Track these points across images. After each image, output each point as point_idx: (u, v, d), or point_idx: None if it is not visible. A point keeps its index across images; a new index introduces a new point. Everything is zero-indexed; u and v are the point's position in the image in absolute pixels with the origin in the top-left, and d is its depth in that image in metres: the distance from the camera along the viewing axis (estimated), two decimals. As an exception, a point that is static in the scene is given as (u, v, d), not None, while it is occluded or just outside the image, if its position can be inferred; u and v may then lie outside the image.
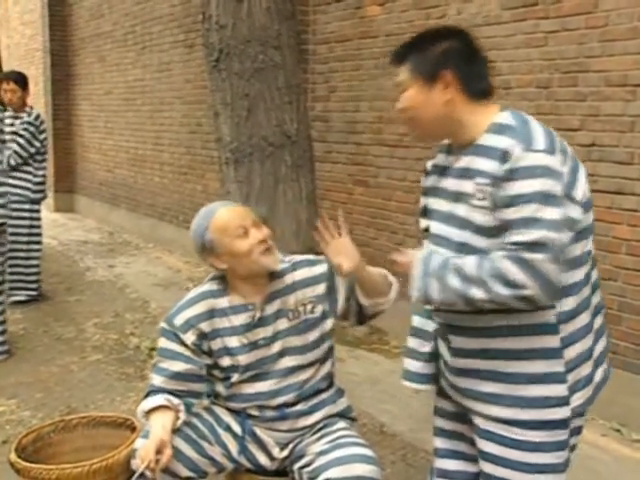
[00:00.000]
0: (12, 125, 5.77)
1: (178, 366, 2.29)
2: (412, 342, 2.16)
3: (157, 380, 2.30)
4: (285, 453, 2.39)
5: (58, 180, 11.12)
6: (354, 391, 3.94)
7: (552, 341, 1.84)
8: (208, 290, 2.38)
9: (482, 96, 1.89)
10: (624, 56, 3.62)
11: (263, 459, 2.39)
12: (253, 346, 2.32)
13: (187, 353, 2.30)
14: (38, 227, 6.01)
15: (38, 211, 6.01)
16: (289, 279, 2.36)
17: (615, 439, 3.64)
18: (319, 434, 2.38)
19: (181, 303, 2.37)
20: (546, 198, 1.70)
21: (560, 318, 1.84)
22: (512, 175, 1.72)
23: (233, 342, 2.32)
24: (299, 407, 2.37)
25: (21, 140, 5.71)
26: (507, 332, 1.85)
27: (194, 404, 2.37)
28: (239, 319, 2.32)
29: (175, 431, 2.26)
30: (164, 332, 2.35)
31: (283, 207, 4.22)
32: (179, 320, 2.32)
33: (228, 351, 2.32)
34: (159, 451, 2.13)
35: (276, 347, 2.33)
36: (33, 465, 2.29)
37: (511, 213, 1.72)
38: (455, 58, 1.87)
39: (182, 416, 2.28)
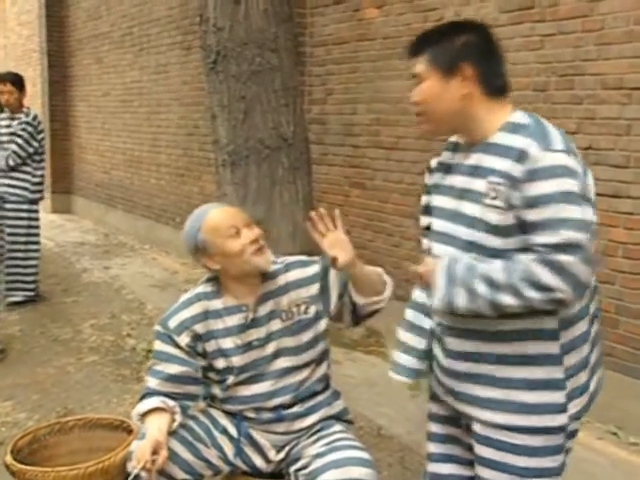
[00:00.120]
0: (9, 126, 5.78)
1: (173, 368, 2.30)
2: (405, 336, 2.14)
3: (152, 383, 2.31)
4: (281, 456, 2.39)
5: (55, 181, 11.11)
6: (351, 393, 3.94)
7: (552, 347, 1.83)
8: (202, 292, 2.38)
9: (499, 93, 1.87)
10: (620, 59, 3.62)
11: (259, 462, 2.39)
12: (247, 347, 2.32)
13: (182, 355, 2.31)
14: (36, 227, 6.01)
15: (36, 211, 6.01)
16: (282, 280, 2.37)
17: (611, 442, 3.65)
18: (315, 437, 2.37)
19: (175, 305, 2.38)
20: (570, 198, 1.69)
21: (561, 324, 1.83)
22: (532, 175, 1.70)
23: (227, 343, 2.32)
24: (295, 409, 2.37)
25: (19, 140, 5.71)
26: (508, 337, 1.84)
27: (190, 406, 2.37)
28: (233, 320, 2.33)
29: (171, 433, 2.26)
30: (159, 335, 2.36)
31: (280, 209, 4.22)
32: (173, 322, 2.33)
33: (222, 353, 2.33)
34: (155, 452, 2.13)
35: (270, 348, 2.34)
36: (29, 467, 2.29)
37: (535, 214, 1.70)
38: (475, 52, 1.85)
39: (178, 418, 2.28)
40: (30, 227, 5.92)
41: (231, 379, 2.34)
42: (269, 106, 4.21)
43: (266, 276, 2.35)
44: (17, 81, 5.85)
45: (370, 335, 5.19)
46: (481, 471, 1.95)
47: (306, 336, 2.36)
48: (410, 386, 4.23)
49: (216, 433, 2.38)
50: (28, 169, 5.83)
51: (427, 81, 1.87)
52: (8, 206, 5.74)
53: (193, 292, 2.40)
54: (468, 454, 2.07)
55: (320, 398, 2.42)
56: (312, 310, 2.36)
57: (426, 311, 2.08)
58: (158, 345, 2.36)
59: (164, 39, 8.12)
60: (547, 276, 1.67)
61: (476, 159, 1.86)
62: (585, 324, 1.89)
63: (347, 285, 2.31)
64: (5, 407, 3.99)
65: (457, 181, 1.92)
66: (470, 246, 1.83)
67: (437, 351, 2.02)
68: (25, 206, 5.85)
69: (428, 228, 2.11)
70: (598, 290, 1.98)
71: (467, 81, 1.83)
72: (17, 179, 5.78)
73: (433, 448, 2.15)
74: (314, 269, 2.39)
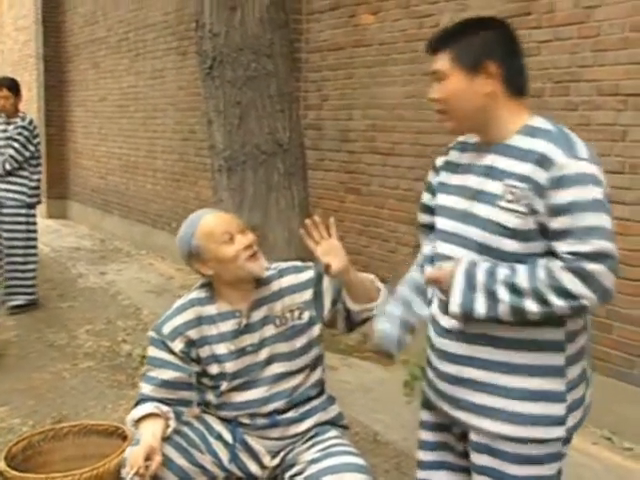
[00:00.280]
0: (5, 131, 5.78)
1: (167, 374, 2.30)
2: (395, 309, 2.12)
3: (146, 389, 2.31)
4: (276, 461, 2.39)
5: (51, 186, 11.09)
6: (346, 399, 3.94)
7: (558, 359, 1.82)
8: (195, 298, 2.38)
9: (520, 93, 1.85)
10: (616, 66, 3.64)
11: (254, 467, 2.39)
12: (240, 353, 2.32)
13: (176, 361, 2.31)
14: (34, 232, 6.01)
15: (34, 215, 6.01)
16: (276, 286, 2.37)
17: (606, 447, 3.64)
18: (310, 442, 2.37)
19: (169, 312, 2.39)
20: (599, 206, 1.68)
21: (567, 336, 1.82)
22: (559, 183, 1.68)
23: (221, 349, 2.33)
24: (290, 414, 2.37)
25: (16, 144, 5.71)
26: (514, 345, 1.81)
27: (184, 412, 2.37)
28: (226, 326, 2.33)
29: (165, 439, 2.26)
30: (153, 341, 2.36)
31: (275, 215, 4.22)
32: (167, 328, 2.33)
33: (216, 358, 2.33)
34: (148, 457, 2.12)
35: (263, 354, 2.34)
36: (23, 474, 2.28)
37: (562, 222, 1.69)
38: (499, 49, 1.82)
39: (172, 424, 2.28)
40: (28, 231, 5.92)
41: (225, 385, 2.34)
42: (265, 112, 4.21)
43: (260, 282, 2.35)
44: (13, 86, 5.85)
45: (366, 341, 5.18)
46: (478, 479, 1.94)
47: (300, 342, 2.36)
48: (405, 392, 4.23)
49: (211, 439, 2.38)
50: (25, 173, 5.83)
51: (450, 78, 1.83)
52: (6, 211, 5.75)
53: (187, 298, 2.41)
54: (461, 461, 2.06)
55: (315, 403, 2.42)
56: (306, 316, 2.36)
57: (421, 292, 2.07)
58: (152, 351, 2.36)
59: (160, 44, 8.13)
60: (574, 284, 1.67)
61: (491, 160, 1.84)
62: (584, 337, 1.89)
63: (341, 292, 2.32)
64: (0, 413, 3.98)
65: (470, 181, 1.89)
66: (482, 248, 1.81)
67: (432, 355, 1.99)
68: (23, 210, 5.85)
69: (429, 227, 2.10)
70: None
71: (491, 79, 1.80)
72: (14, 184, 5.77)
73: (424, 456, 2.13)
74: (308, 275, 2.39)
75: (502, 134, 1.83)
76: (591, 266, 1.66)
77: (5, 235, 5.80)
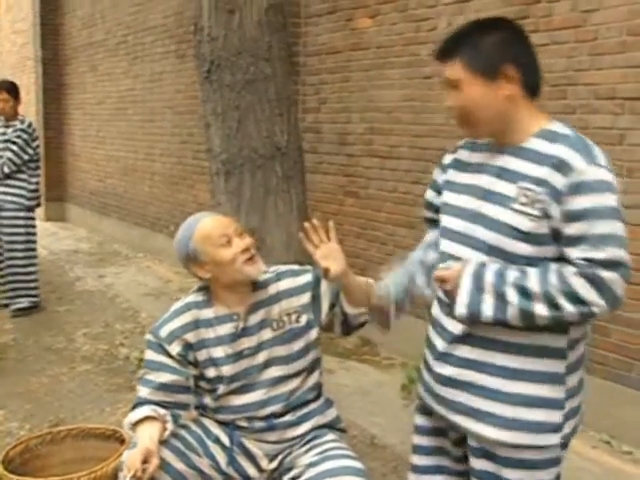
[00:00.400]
0: (4, 134, 5.77)
1: (164, 377, 2.30)
2: (400, 276, 2.10)
3: (144, 392, 2.31)
4: (274, 465, 2.39)
5: (49, 189, 11.08)
6: (344, 402, 3.94)
7: (559, 366, 1.82)
8: (193, 301, 2.39)
9: (536, 93, 1.82)
10: (613, 69, 3.64)
11: (252, 471, 2.38)
12: (238, 356, 2.32)
13: (173, 364, 2.31)
14: (34, 234, 6.01)
15: (33, 218, 6.01)
16: (273, 289, 2.37)
17: (605, 451, 3.65)
18: (308, 446, 2.37)
19: (166, 315, 2.39)
20: (615, 214, 1.68)
21: (569, 344, 1.82)
22: (577, 189, 1.67)
23: (218, 352, 2.33)
24: (287, 418, 2.37)
25: (15, 147, 5.70)
26: (517, 350, 1.81)
27: (181, 415, 2.37)
28: (224, 329, 2.33)
29: (163, 443, 2.26)
30: (150, 344, 2.36)
31: (274, 218, 4.22)
32: (164, 332, 2.33)
33: (213, 362, 2.33)
34: (146, 461, 2.12)
35: (261, 357, 2.34)
36: (20, 478, 2.28)
37: (577, 228, 1.68)
38: (514, 50, 1.78)
39: (169, 427, 2.28)
40: (28, 234, 5.92)
41: (222, 388, 2.34)
42: (263, 115, 4.21)
43: (257, 285, 2.35)
44: (12, 89, 5.85)
45: (364, 344, 5.19)
46: None
47: (297, 345, 2.36)
48: (403, 395, 4.23)
49: (208, 442, 2.38)
50: (23, 176, 5.82)
51: (467, 86, 1.78)
52: (5, 214, 5.75)
53: (184, 301, 2.41)
54: (457, 466, 2.06)
55: (312, 406, 2.42)
56: (303, 319, 2.36)
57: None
58: (149, 354, 2.36)
59: (158, 47, 8.14)
60: (587, 290, 1.67)
61: (504, 161, 1.82)
62: (584, 345, 1.89)
63: (339, 295, 2.32)
64: (-3, 416, 3.98)
65: (480, 181, 1.87)
66: (491, 250, 1.80)
67: (431, 357, 1.98)
68: (22, 213, 5.85)
69: (430, 220, 2.10)
70: None
71: (510, 82, 1.77)
72: (13, 187, 5.77)
73: (419, 460, 2.13)
74: (306, 278, 2.39)
75: (518, 136, 1.81)
76: (605, 274, 1.66)
77: (5, 238, 5.80)
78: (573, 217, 1.68)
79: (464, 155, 1.98)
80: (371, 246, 5.31)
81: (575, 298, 1.68)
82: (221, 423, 2.41)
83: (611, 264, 1.66)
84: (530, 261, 1.75)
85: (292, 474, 2.32)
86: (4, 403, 4.14)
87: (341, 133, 5.53)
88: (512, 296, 1.72)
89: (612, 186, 1.71)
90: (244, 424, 2.36)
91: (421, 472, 2.12)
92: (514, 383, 1.82)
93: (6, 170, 5.68)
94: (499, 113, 1.79)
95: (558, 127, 1.80)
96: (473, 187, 1.88)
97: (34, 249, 6.01)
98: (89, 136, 10.37)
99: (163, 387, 2.29)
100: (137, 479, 2.11)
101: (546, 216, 1.71)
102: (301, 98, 5.79)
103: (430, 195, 2.12)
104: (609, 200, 1.69)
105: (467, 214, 1.88)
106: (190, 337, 2.32)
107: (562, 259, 1.73)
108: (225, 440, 2.38)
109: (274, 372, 2.34)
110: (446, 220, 1.96)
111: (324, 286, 2.36)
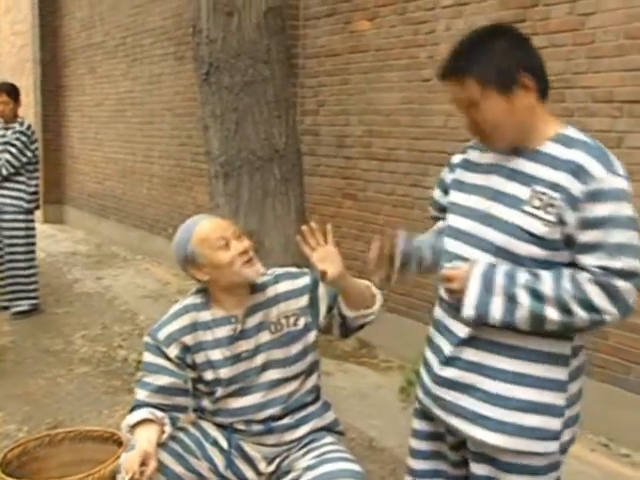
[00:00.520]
0: (3, 136, 5.76)
1: (162, 380, 2.30)
2: (413, 243, 2.09)
3: (142, 394, 2.30)
4: (272, 468, 2.38)
5: (47, 191, 11.08)
6: (342, 405, 3.93)
7: (561, 373, 1.81)
8: (191, 303, 2.39)
9: (547, 94, 1.80)
10: (610, 73, 3.65)
11: (250, 474, 2.39)
12: (235, 359, 2.32)
13: (171, 367, 2.31)
14: (34, 237, 6.01)
15: (33, 221, 6.01)
16: (271, 292, 2.37)
17: (604, 454, 3.65)
18: (306, 449, 2.37)
19: (164, 317, 2.39)
20: (631, 224, 1.68)
21: (572, 351, 1.82)
22: (595, 197, 1.66)
23: (216, 355, 2.33)
24: (285, 421, 2.37)
25: (13, 150, 5.70)
26: (521, 355, 1.80)
27: (179, 418, 2.37)
28: (222, 332, 2.33)
29: (161, 445, 2.25)
30: (148, 346, 2.36)
31: (272, 221, 4.22)
32: (162, 334, 2.33)
33: (211, 364, 2.33)
34: (143, 463, 2.12)
35: (259, 360, 2.34)
36: (18, 480, 2.28)
37: (593, 235, 1.67)
38: (523, 56, 1.76)
39: (167, 429, 2.28)
40: (28, 236, 5.92)
41: (220, 391, 2.34)
42: (261, 117, 4.22)
43: (255, 288, 2.35)
44: (12, 91, 5.84)
45: (362, 347, 5.19)
46: None
47: (295, 348, 2.36)
48: (401, 398, 4.23)
49: (206, 445, 2.38)
50: (22, 179, 5.82)
51: (486, 103, 1.74)
52: (5, 217, 5.75)
53: (182, 304, 2.41)
54: (455, 470, 2.05)
55: (310, 409, 2.42)
56: (301, 322, 2.36)
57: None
58: (147, 357, 2.36)
59: (157, 50, 8.14)
60: (600, 298, 1.67)
61: (518, 164, 1.80)
62: (585, 354, 1.89)
63: (337, 298, 2.32)
64: (-5, 419, 3.98)
65: (490, 182, 1.85)
66: (500, 251, 1.78)
67: (433, 359, 1.96)
68: (22, 216, 5.84)
69: (437, 218, 2.09)
70: None
71: (527, 91, 1.75)
72: (12, 189, 5.77)
73: (416, 464, 2.12)
74: (304, 281, 2.39)
75: (535, 141, 1.79)
76: (620, 283, 1.66)
77: (5, 241, 5.80)
78: (589, 224, 1.67)
79: (474, 155, 1.96)
80: (369, 249, 5.30)
81: (588, 305, 1.68)
82: (219, 426, 2.41)
83: (626, 274, 1.67)
84: (540, 264, 1.74)
85: (290, 477, 2.32)
86: (2, 405, 4.14)
87: (339, 135, 5.54)
88: (523, 298, 1.71)
89: (629, 195, 1.71)
90: (242, 427, 2.36)
91: (419, 476, 2.12)
92: (515, 388, 1.81)
93: (4, 172, 5.67)
94: (520, 123, 1.77)
95: (572, 132, 1.79)
96: (483, 188, 1.87)
97: (34, 251, 6.01)
98: (87, 138, 10.37)
99: (161, 390, 2.29)
100: (135, 482, 2.11)
101: (560, 222, 1.70)
102: (299, 100, 5.79)
103: (437, 194, 2.11)
104: (626, 209, 1.68)
105: (476, 214, 1.86)
106: (188, 340, 2.32)
107: (572, 264, 1.73)
108: (223, 443, 2.38)
109: (272, 375, 2.34)
110: (453, 220, 1.95)
111: (322, 289, 2.36)
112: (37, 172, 5.99)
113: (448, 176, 2.05)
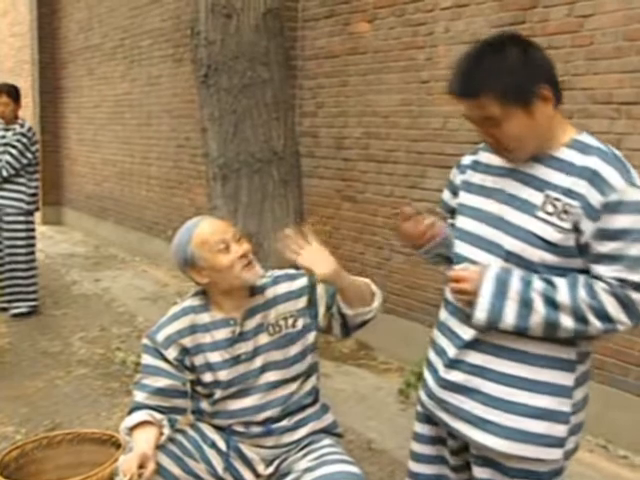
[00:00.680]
0: (3, 137, 5.75)
1: (161, 382, 2.29)
2: None
3: (140, 396, 2.30)
4: (270, 470, 2.38)
5: (45, 193, 11.07)
6: (341, 407, 3.93)
7: (567, 379, 1.80)
8: (189, 306, 2.38)
9: (561, 99, 1.76)
10: (609, 74, 3.65)
11: (248, 476, 2.38)
12: (234, 361, 2.32)
13: (169, 369, 2.30)
14: (34, 238, 6.00)
15: (33, 222, 6.00)
16: (270, 293, 2.37)
17: (602, 456, 3.65)
18: (304, 451, 2.37)
19: (163, 319, 2.38)
20: None
21: (578, 357, 1.80)
22: (617, 208, 1.64)
23: (215, 357, 2.32)
24: (284, 423, 2.36)
25: (14, 151, 5.69)
26: (527, 360, 1.78)
27: (177, 420, 2.36)
28: (221, 334, 2.32)
29: (159, 447, 2.25)
30: (146, 348, 2.35)
31: (270, 222, 4.22)
32: (161, 336, 2.32)
33: (210, 366, 2.32)
34: (142, 465, 2.11)
35: (258, 362, 2.33)
36: (16, 483, 2.27)
37: (614, 247, 1.66)
38: (540, 67, 1.72)
39: (166, 432, 2.27)
40: (29, 238, 5.92)
41: (219, 393, 2.33)
42: (260, 119, 4.22)
43: (254, 290, 2.35)
44: (13, 92, 5.82)
45: (361, 348, 5.19)
46: None
47: (294, 349, 2.35)
48: (400, 400, 4.23)
49: (205, 447, 2.37)
50: (22, 180, 5.81)
51: (506, 120, 1.70)
52: (5, 219, 5.74)
53: (181, 306, 2.40)
54: (456, 475, 2.04)
55: (309, 411, 2.42)
56: (300, 323, 2.36)
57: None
58: (146, 359, 2.35)
59: (155, 51, 8.14)
60: (616, 309, 1.67)
61: (532, 168, 1.77)
62: (590, 361, 1.88)
63: (335, 296, 2.31)
64: (-7, 421, 3.97)
65: (503, 185, 1.83)
66: (510, 256, 1.76)
67: (438, 362, 1.95)
68: (22, 218, 5.84)
69: (445, 220, 2.06)
70: None
71: (547, 101, 1.71)
72: (12, 191, 5.76)
73: (417, 468, 2.11)
74: (302, 282, 2.39)
75: (551, 147, 1.76)
76: (636, 295, 1.66)
77: (6, 243, 5.79)
78: (609, 236, 1.66)
79: (485, 157, 1.93)
80: (368, 250, 5.31)
81: (604, 315, 1.68)
82: (217, 428, 2.40)
83: None
84: (551, 270, 1.73)
85: (289, 479, 2.32)
86: (0, 407, 4.13)
87: (338, 137, 5.54)
88: (539, 305, 1.70)
89: None
90: (241, 429, 2.36)
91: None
92: (519, 392, 1.79)
93: (4, 174, 5.67)
94: (541, 134, 1.74)
95: (587, 138, 1.77)
96: (495, 190, 1.85)
97: (34, 253, 6.01)
98: (86, 140, 10.37)
99: (160, 392, 2.29)
100: (133, 484, 2.11)
101: (575, 229, 1.69)
102: (298, 102, 5.79)
103: (446, 196, 2.09)
104: None
105: (487, 217, 1.84)
106: (187, 342, 2.32)
107: (584, 271, 1.72)
108: (221, 445, 2.38)
109: (271, 377, 2.34)
110: (463, 222, 1.93)
111: (320, 289, 2.36)
112: (37, 174, 5.98)
113: (458, 177, 2.02)
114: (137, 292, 7.01)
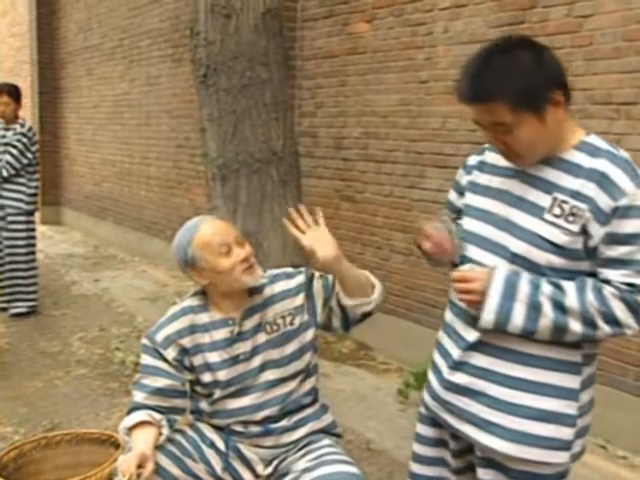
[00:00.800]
0: (4, 137, 5.75)
1: (160, 382, 2.29)
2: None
3: (139, 396, 2.30)
4: (269, 470, 2.38)
5: (45, 193, 11.05)
6: (340, 407, 3.93)
7: (573, 381, 1.79)
8: (189, 306, 2.38)
9: (570, 101, 1.74)
10: (608, 75, 3.65)
11: (247, 476, 2.38)
12: (233, 361, 2.32)
13: (169, 369, 2.30)
14: (34, 238, 6.01)
15: (33, 222, 6.00)
16: (268, 292, 2.37)
17: (601, 456, 3.64)
18: (303, 451, 2.37)
19: (162, 319, 2.38)
20: None
21: (584, 359, 1.79)
22: (627, 213, 1.64)
23: (214, 357, 2.32)
24: (283, 423, 2.36)
25: (14, 151, 5.68)
26: (533, 362, 1.77)
27: (177, 420, 2.36)
28: (220, 334, 2.32)
29: (158, 448, 2.25)
30: (145, 348, 2.35)
31: (270, 223, 4.22)
32: (160, 336, 2.32)
33: (209, 366, 2.32)
34: (141, 465, 2.11)
35: (256, 361, 2.33)
36: (14, 483, 2.27)
37: (624, 251, 1.65)
38: (551, 71, 1.70)
39: (165, 432, 2.27)
40: (29, 238, 5.92)
41: (218, 393, 2.33)
42: (259, 119, 4.22)
43: (253, 290, 2.34)
44: (13, 92, 5.81)
45: (360, 348, 5.19)
46: None
47: (290, 347, 2.35)
48: (399, 400, 4.23)
49: (204, 447, 2.37)
50: (22, 180, 5.81)
51: (518, 127, 1.68)
52: (6, 219, 5.74)
53: (180, 306, 2.40)
54: (457, 478, 2.04)
55: (308, 412, 2.42)
56: (297, 321, 2.36)
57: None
58: (145, 359, 2.35)
59: (154, 51, 8.13)
60: (624, 314, 1.67)
61: (540, 170, 1.76)
62: (596, 364, 1.87)
63: (332, 289, 2.31)
64: (-8, 421, 3.97)
65: (509, 186, 1.81)
66: (515, 258, 1.75)
67: (443, 364, 1.94)
68: (22, 218, 5.84)
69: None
70: None
71: (558, 106, 1.70)
72: (13, 191, 5.76)
73: (419, 470, 2.10)
74: (299, 280, 2.39)
75: (560, 149, 1.75)
76: None
77: (6, 242, 5.79)
78: (618, 240, 1.65)
79: (491, 158, 1.91)
80: (367, 250, 5.31)
81: (613, 320, 1.67)
82: (217, 428, 2.40)
83: None
84: (558, 273, 1.72)
85: (287, 479, 2.32)
86: (-1, 407, 4.14)
87: (337, 137, 5.54)
88: (547, 309, 1.69)
89: None
90: (240, 429, 2.36)
91: None
92: (525, 395, 1.78)
93: (5, 174, 5.66)
94: (551, 138, 1.73)
95: (595, 140, 1.75)
96: (501, 192, 1.83)
97: (34, 252, 6.01)
98: (85, 140, 10.36)
99: (159, 392, 2.29)
100: (132, 484, 2.10)
101: (583, 233, 1.68)
102: (297, 102, 5.79)
103: (453, 196, 2.07)
104: None
105: (493, 219, 1.83)
106: (186, 342, 2.31)
107: (591, 274, 1.72)
108: (220, 445, 2.37)
109: (269, 375, 2.34)
110: (468, 223, 1.91)
111: (317, 284, 2.36)
112: (37, 174, 5.98)
113: (464, 178, 2.00)
114: (136, 292, 7.01)
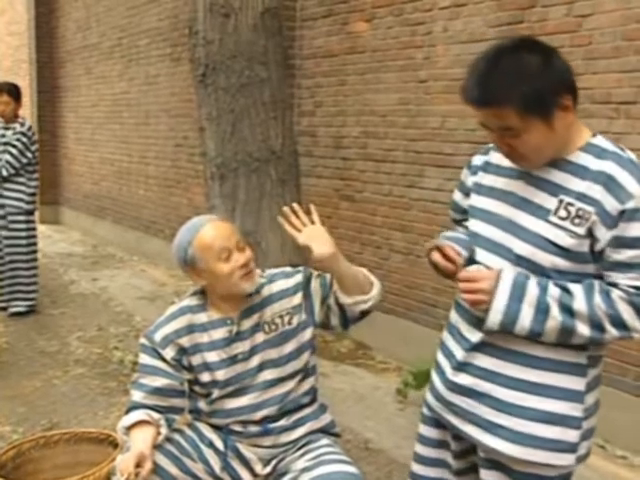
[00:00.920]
0: (3, 136, 5.74)
1: (158, 381, 2.28)
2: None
3: (137, 396, 2.29)
4: (268, 469, 2.38)
5: (43, 192, 11.01)
6: (339, 407, 3.93)
7: (578, 383, 1.78)
8: (187, 305, 2.37)
9: (577, 103, 1.72)
10: (607, 74, 3.65)
11: (246, 475, 2.38)
12: (232, 361, 2.32)
13: (167, 368, 2.30)
14: (34, 237, 6.00)
15: (33, 221, 6.00)
16: (266, 292, 2.36)
17: (600, 456, 3.64)
18: (302, 450, 2.37)
19: (161, 319, 2.38)
20: None
21: (589, 361, 1.79)
22: (635, 216, 1.62)
23: (212, 357, 2.32)
24: (282, 422, 2.36)
25: (14, 150, 5.67)
26: (539, 364, 1.76)
27: (175, 420, 2.36)
28: (218, 333, 2.32)
29: (157, 447, 2.24)
30: (144, 348, 2.35)
31: (268, 222, 4.21)
32: (158, 336, 2.32)
33: (207, 366, 2.32)
34: (139, 464, 2.10)
35: (255, 361, 2.33)
36: (13, 482, 2.27)
37: (632, 255, 1.64)
38: (559, 76, 1.67)
39: (163, 431, 2.27)
40: (29, 237, 5.92)
41: (216, 393, 2.33)
42: (258, 119, 4.21)
43: (252, 291, 2.34)
44: (13, 91, 5.80)
45: (358, 348, 5.19)
46: None
47: (289, 347, 2.35)
48: (398, 399, 4.22)
49: (203, 447, 2.37)
50: (22, 180, 5.80)
51: (527, 132, 1.66)
52: (6, 218, 5.73)
53: (178, 305, 2.40)
54: (456, 479, 2.03)
55: (307, 411, 2.42)
56: (295, 320, 2.35)
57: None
58: (143, 358, 2.34)
59: (153, 51, 8.13)
60: (632, 317, 1.66)
61: (546, 172, 1.74)
62: (602, 366, 1.87)
63: (330, 288, 2.31)
64: (-10, 420, 3.97)
65: (515, 187, 1.79)
66: (520, 260, 1.74)
67: (447, 366, 1.93)
68: (22, 217, 5.84)
69: (459, 221, 2.05)
70: None
71: (567, 110, 1.68)
72: (12, 190, 5.76)
73: (421, 470, 2.09)
74: (297, 279, 2.38)
75: (567, 151, 1.73)
76: None
77: (6, 242, 5.79)
78: (625, 244, 1.64)
79: (495, 158, 1.89)
80: (366, 249, 5.31)
81: (620, 323, 1.67)
82: (215, 427, 2.40)
83: None
84: (563, 276, 1.71)
85: (286, 479, 2.31)
86: (-3, 407, 4.13)
87: (336, 136, 5.53)
88: (555, 311, 1.68)
89: None
90: (238, 428, 2.35)
91: None
92: (529, 397, 1.77)
93: (4, 173, 5.66)
94: (559, 142, 1.71)
95: (602, 141, 1.74)
96: (506, 193, 1.81)
97: (36, 252, 6.02)
98: (83, 139, 10.36)
99: (157, 391, 2.28)
100: (130, 483, 2.10)
101: (590, 235, 1.67)
102: (296, 101, 5.79)
103: (458, 197, 2.06)
104: None
105: (497, 220, 1.81)
106: (184, 342, 2.31)
107: (597, 276, 1.71)
108: (219, 444, 2.37)
109: (267, 375, 2.34)
110: (474, 224, 1.90)
111: (314, 283, 2.36)
112: (36, 173, 5.97)
113: (469, 179, 1.99)
114: (135, 291, 7.00)
